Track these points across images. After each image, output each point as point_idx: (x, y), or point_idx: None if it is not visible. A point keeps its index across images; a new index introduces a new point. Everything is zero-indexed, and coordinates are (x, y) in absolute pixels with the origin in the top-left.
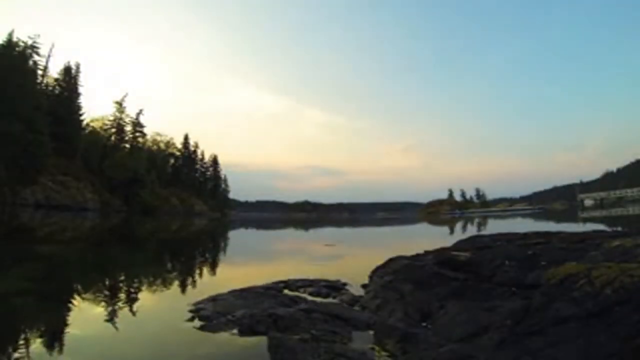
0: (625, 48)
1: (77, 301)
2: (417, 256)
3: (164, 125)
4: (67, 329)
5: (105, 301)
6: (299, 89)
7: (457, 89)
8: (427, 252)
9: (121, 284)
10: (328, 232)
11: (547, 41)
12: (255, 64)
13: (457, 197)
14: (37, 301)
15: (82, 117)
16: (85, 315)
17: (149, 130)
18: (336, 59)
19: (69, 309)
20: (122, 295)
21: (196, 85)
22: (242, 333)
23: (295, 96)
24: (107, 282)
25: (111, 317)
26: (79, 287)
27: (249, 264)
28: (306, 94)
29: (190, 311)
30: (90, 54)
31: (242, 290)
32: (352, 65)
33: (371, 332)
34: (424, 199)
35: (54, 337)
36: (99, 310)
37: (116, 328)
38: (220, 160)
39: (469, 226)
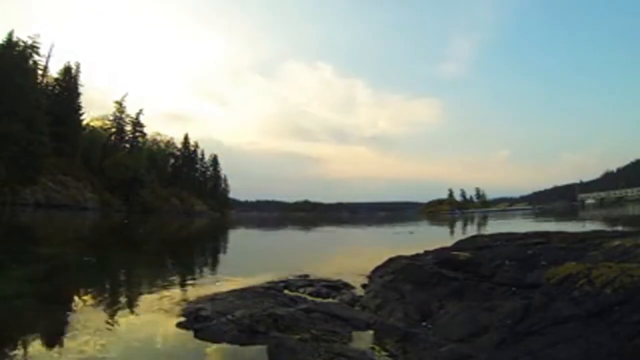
0: (626, 47)
1: (76, 303)
2: (417, 256)
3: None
4: (67, 331)
5: (105, 302)
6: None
7: (459, 87)
8: (427, 252)
9: (120, 285)
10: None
11: (545, 42)
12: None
13: (457, 197)
14: (37, 303)
15: (82, 117)
16: (84, 317)
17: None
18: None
19: (68, 311)
20: (122, 296)
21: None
22: (242, 333)
23: None
24: (106, 283)
25: (111, 319)
26: (79, 288)
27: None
28: None
29: (190, 311)
30: (91, 54)
31: (242, 290)
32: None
33: (371, 332)
34: (424, 198)
35: (54, 340)
36: (99, 312)
37: (116, 330)
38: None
39: (468, 225)
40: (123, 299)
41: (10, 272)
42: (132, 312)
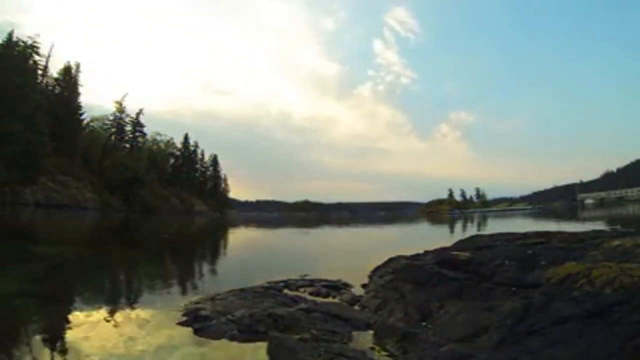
0: (626, 46)
1: (77, 302)
2: (417, 256)
3: None
4: (67, 331)
5: (104, 302)
6: None
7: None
8: (427, 252)
9: (120, 285)
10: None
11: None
12: None
13: (457, 197)
14: (37, 302)
15: (82, 117)
16: (85, 316)
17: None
18: None
19: (69, 311)
20: (121, 296)
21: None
22: (242, 332)
23: None
24: (106, 283)
25: (111, 318)
26: (79, 288)
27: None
28: None
29: (190, 311)
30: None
31: (242, 290)
32: None
33: (371, 332)
34: (424, 198)
35: (55, 339)
36: (99, 311)
37: (116, 329)
38: None
39: (467, 225)
40: (122, 299)
41: (11, 271)
42: (131, 311)
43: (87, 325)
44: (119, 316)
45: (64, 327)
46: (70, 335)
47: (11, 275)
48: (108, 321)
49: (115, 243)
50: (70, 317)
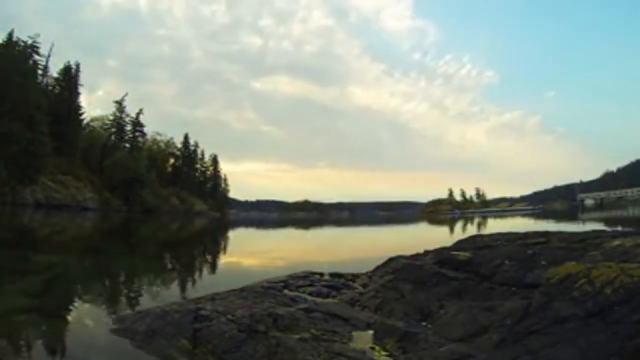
0: (627, 45)
1: (79, 317)
2: (417, 256)
3: None
4: (71, 348)
5: (108, 313)
6: None
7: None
8: (426, 252)
9: (123, 293)
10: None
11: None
12: None
13: (457, 196)
14: (38, 319)
15: (82, 117)
16: (89, 331)
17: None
18: None
19: (72, 327)
20: (124, 306)
21: None
22: (242, 332)
23: None
24: (109, 293)
25: (114, 327)
26: (81, 301)
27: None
28: None
29: (190, 311)
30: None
31: (242, 290)
32: None
33: (371, 332)
34: (424, 198)
35: (58, 358)
36: (104, 325)
37: (120, 340)
38: None
39: (467, 226)
40: (124, 308)
41: (9, 284)
42: (134, 322)
43: (91, 342)
44: (122, 328)
45: (67, 346)
46: (73, 356)
47: (10, 289)
48: (110, 331)
49: (117, 247)
50: (74, 335)
